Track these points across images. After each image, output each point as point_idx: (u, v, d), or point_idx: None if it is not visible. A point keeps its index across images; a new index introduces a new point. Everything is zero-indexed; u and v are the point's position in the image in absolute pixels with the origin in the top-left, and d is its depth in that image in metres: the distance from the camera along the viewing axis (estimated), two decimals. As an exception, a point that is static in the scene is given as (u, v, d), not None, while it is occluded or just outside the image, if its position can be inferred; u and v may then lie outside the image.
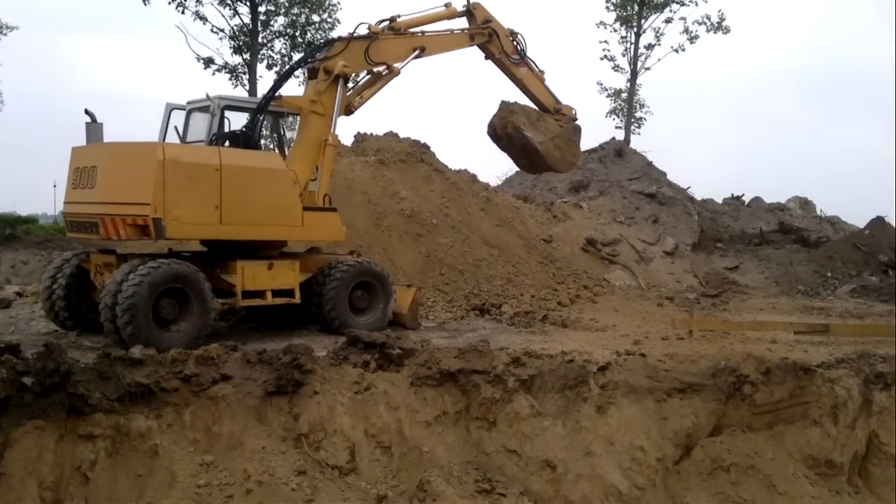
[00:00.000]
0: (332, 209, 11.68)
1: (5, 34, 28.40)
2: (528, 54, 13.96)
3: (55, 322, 10.79)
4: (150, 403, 7.13)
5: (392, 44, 12.25)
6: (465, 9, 13.24)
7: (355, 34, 11.89)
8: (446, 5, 13.18)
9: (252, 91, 26.88)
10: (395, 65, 12.26)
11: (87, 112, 11.02)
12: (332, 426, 7.59)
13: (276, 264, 10.79)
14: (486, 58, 13.78)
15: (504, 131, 13.98)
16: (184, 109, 11.37)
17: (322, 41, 12.21)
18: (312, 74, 11.68)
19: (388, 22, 12.28)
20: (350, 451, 7.55)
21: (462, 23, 13.39)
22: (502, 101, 14.24)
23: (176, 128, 11.24)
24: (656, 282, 18.99)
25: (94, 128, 10.93)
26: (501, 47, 13.53)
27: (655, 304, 16.04)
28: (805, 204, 30.37)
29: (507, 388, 8.40)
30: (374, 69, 12.23)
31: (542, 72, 14.34)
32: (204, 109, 11.07)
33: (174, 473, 6.70)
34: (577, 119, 14.66)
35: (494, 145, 14.62)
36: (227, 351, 7.97)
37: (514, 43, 13.79)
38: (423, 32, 12.76)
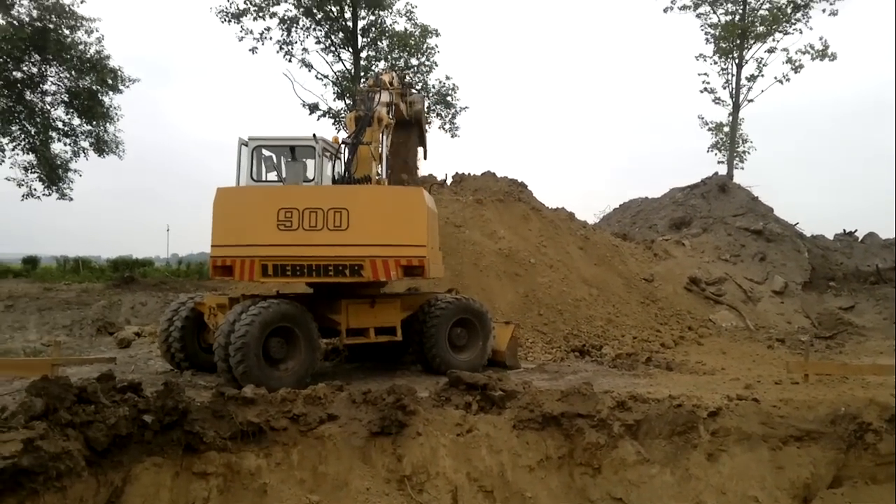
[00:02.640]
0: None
1: (128, 87, 30.34)
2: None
3: (170, 362, 11.34)
4: (260, 442, 7.33)
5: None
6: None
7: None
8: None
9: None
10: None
11: (291, 150, 11.03)
12: (435, 468, 7.60)
13: (378, 302, 11.04)
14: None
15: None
16: (246, 145, 11.25)
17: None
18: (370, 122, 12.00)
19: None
20: (452, 494, 7.52)
21: None
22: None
23: (275, 162, 11.37)
24: (765, 323, 18.20)
25: (295, 167, 11.09)
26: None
27: (765, 346, 15.38)
28: (924, 239, 28.46)
29: (612, 434, 8.19)
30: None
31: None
32: (277, 148, 11.32)
33: (283, 512, 6.84)
34: None
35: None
36: (333, 391, 8.14)
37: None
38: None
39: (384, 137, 12.14)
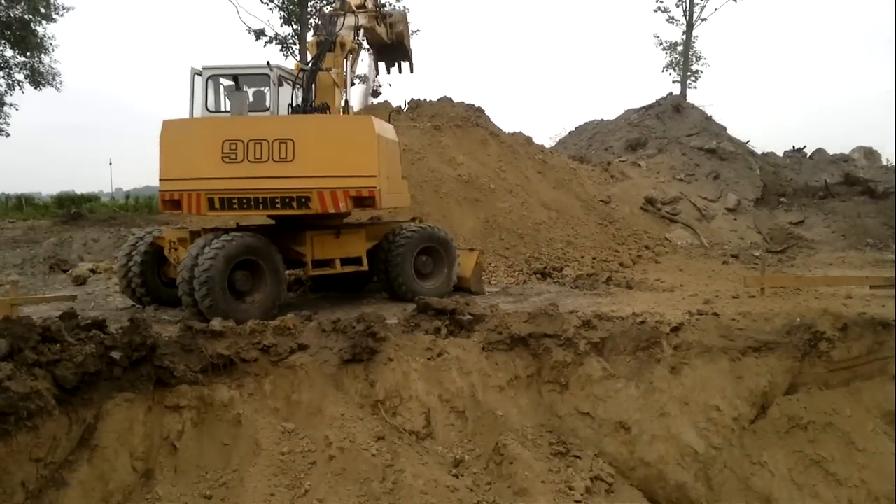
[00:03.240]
0: (404, 176, 12.28)
1: (61, 15, 28.90)
2: None
3: (131, 298, 11.15)
4: (232, 374, 7.35)
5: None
6: None
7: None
8: None
9: (303, 61, 27.03)
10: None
11: (234, 79, 10.68)
12: (408, 392, 7.72)
13: (343, 233, 10.95)
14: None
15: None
16: (200, 75, 10.83)
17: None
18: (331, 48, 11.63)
19: None
20: (426, 416, 7.67)
21: None
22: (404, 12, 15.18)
23: (217, 94, 10.97)
24: (719, 239, 18.63)
25: (239, 96, 10.73)
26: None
27: (720, 262, 15.77)
28: (870, 154, 29.20)
29: (579, 351, 8.39)
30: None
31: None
32: (230, 76, 10.89)
33: (258, 441, 6.91)
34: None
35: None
36: (302, 321, 8.14)
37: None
38: None
39: (348, 63, 11.77)
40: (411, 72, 18.07)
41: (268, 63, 10.48)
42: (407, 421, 7.57)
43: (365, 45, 13.52)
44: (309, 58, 11.65)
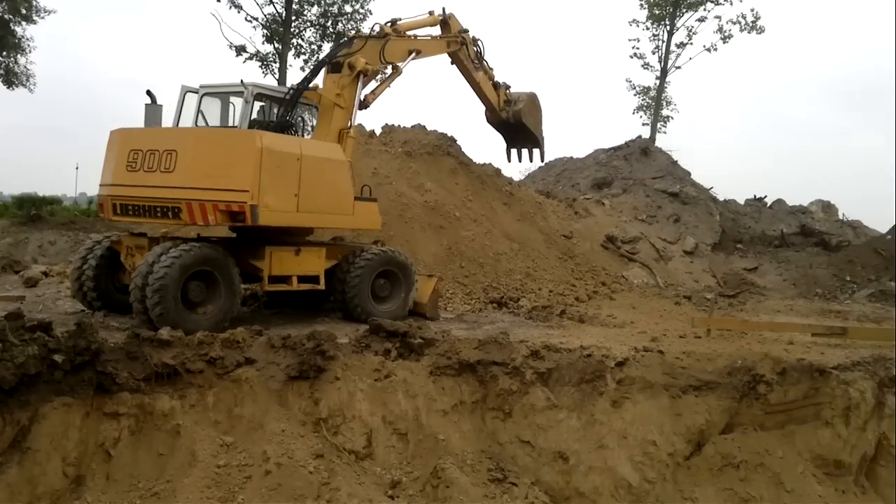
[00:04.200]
0: (374, 199, 12.22)
1: (42, 17, 28.77)
2: (484, 58, 15.60)
3: (82, 302, 11.06)
4: (175, 384, 7.33)
5: (397, 45, 12.94)
6: (441, 18, 14.44)
7: (371, 34, 12.68)
8: (430, 13, 14.28)
9: (282, 80, 27.16)
10: (399, 64, 13.03)
11: (148, 93, 11.11)
12: (351, 412, 7.77)
13: (303, 251, 11.01)
14: (452, 63, 15.13)
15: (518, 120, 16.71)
16: (196, 93, 11.37)
17: (346, 37, 13.09)
18: (336, 69, 11.94)
19: (391, 24, 12.96)
20: (367, 436, 7.72)
21: (436, 30, 14.59)
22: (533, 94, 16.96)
23: (202, 112, 11.37)
24: (674, 280, 19.00)
25: (153, 109, 11.06)
26: (468, 54, 15.02)
27: (673, 302, 16.07)
28: (827, 207, 30.10)
29: (525, 381, 8.51)
30: (386, 68, 12.94)
31: (491, 69, 16.04)
32: (220, 95, 11.31)
33: (195, 453, 6.88)
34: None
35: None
36: (252, 335, 8.17)
37: (476, 49, 15.26)
38: (415, 36, 13.70)
39: (360, 86, 11.97)
40: (542, 161, 20.06)
41: (241, 81, 10.75)
42: (348, 440, 7.61)
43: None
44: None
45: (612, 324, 12.69)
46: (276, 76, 27.83)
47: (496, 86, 16.38)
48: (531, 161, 19.56)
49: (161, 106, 11.14)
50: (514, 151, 18.33)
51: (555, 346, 9.31)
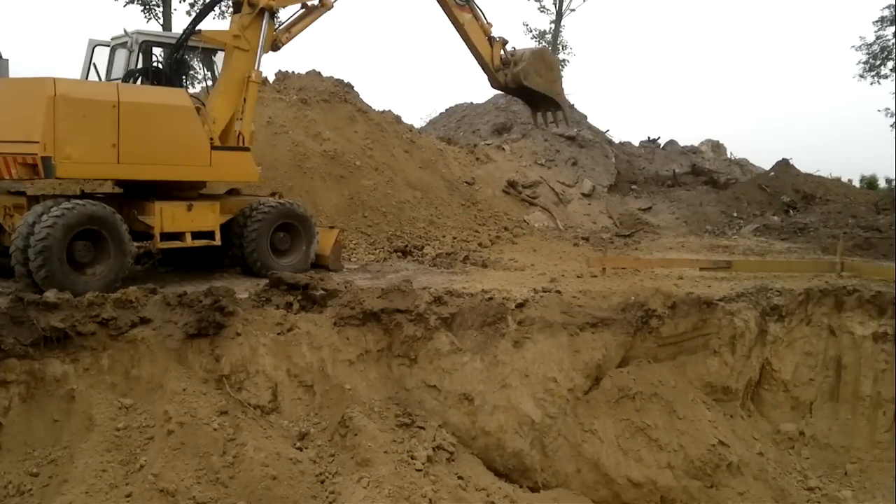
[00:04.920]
0: (245, 148, 11.28)
1: None
2: (476, 3, 13.91)
3: (-40, 267, 10.38)
4: (66, 348, 7.08)
5: None
6: None
7: None
8: None
9: (167, 25, 25.74)
10: None
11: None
12: (255, 367, 7.71)
13: (195, 206, 10.60)
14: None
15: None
16: (108, 46, 10.83)
17: None
18: (237, 8, 11.26)
19: None
20: (272, 390, 7.70)
21: None
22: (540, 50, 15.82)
23: (95, 65, 10.76)
24: (573, 223, 19.49)
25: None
26: None
27: (572, 244, 16.51)
28: (717, 147, 31.43)
29: (429, 326, 8.65)
30: (308, 2, 11.88)
31: (489, 24, 14.28)
32: (112, 47, 10.72)
33: (92, 417, 6.71)
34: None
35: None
36: (145, 294, 7.92)
37: None
38: None
39: (264, 24, 11.09)
40: (567, 125, 18.15)
41: (124, 30, 10.23)
42: (252, 396, 7.57)
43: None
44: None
45: (514, 267, 12.95)
46: (161, 21, 26.34)
47: (491, 41, 14.41)
48: (557, 126, 18.14)
49: (7, 60, 10.64)
50: (539, 115, 16.84)
51: (457, 292, 9.45)
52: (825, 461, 10.28)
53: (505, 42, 14.87)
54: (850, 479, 10.08)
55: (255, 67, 11.21)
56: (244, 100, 11.14)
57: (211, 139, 10.59)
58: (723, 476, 9.03)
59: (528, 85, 14.89)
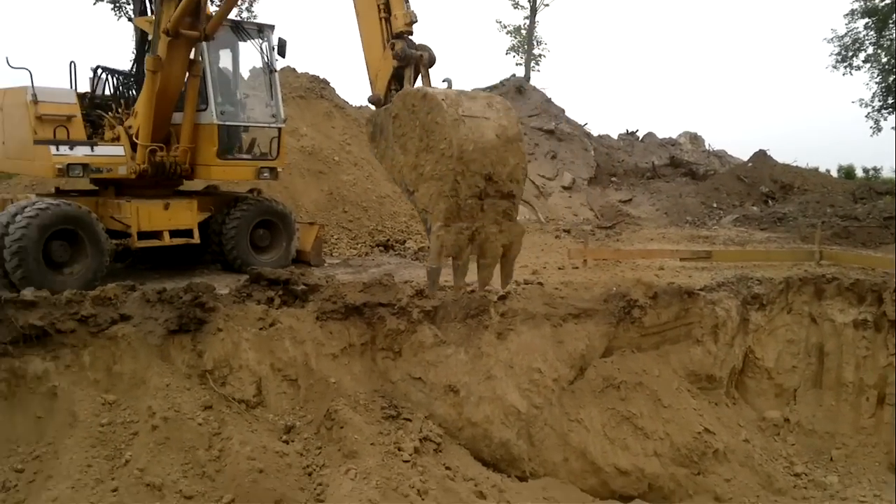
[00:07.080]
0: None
1: None
2: None
3: (-67, 268, 10.21)
4: (46, 345, 6.97)
5: None
6: None
7: None
8: None
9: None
10: None
11: None
12: (238, 362, 7.63)
13: (172, 204, 10.52)
14: None
15: None
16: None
17: None
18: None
19: None
20: (257, 385, 7.63)
21: None
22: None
23: None
24: (555, 215, 19.60)
25: None
26: None
27: (553, 236, 16.59)
28: (695, 139, 31.70)
29: (412, 319, 8.61)
30: None
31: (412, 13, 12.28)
32: None
33: (75, 413, 6.63)
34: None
35: None
36: (124, 291, 7.82)
37: None
38: None
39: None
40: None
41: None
42: (237, 390, 7.50)
43: None
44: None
45: (496, 260, 12.93)
46: (131, 17, 25.98)
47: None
48: None
49: None
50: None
51: (439, 285, 9.43)
52: (811, 447, 10.38)
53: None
54: (836, 464, 10.17)
55: (153, 53, 10.24)
56: None
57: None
58: (709, 463, 9.09)
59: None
